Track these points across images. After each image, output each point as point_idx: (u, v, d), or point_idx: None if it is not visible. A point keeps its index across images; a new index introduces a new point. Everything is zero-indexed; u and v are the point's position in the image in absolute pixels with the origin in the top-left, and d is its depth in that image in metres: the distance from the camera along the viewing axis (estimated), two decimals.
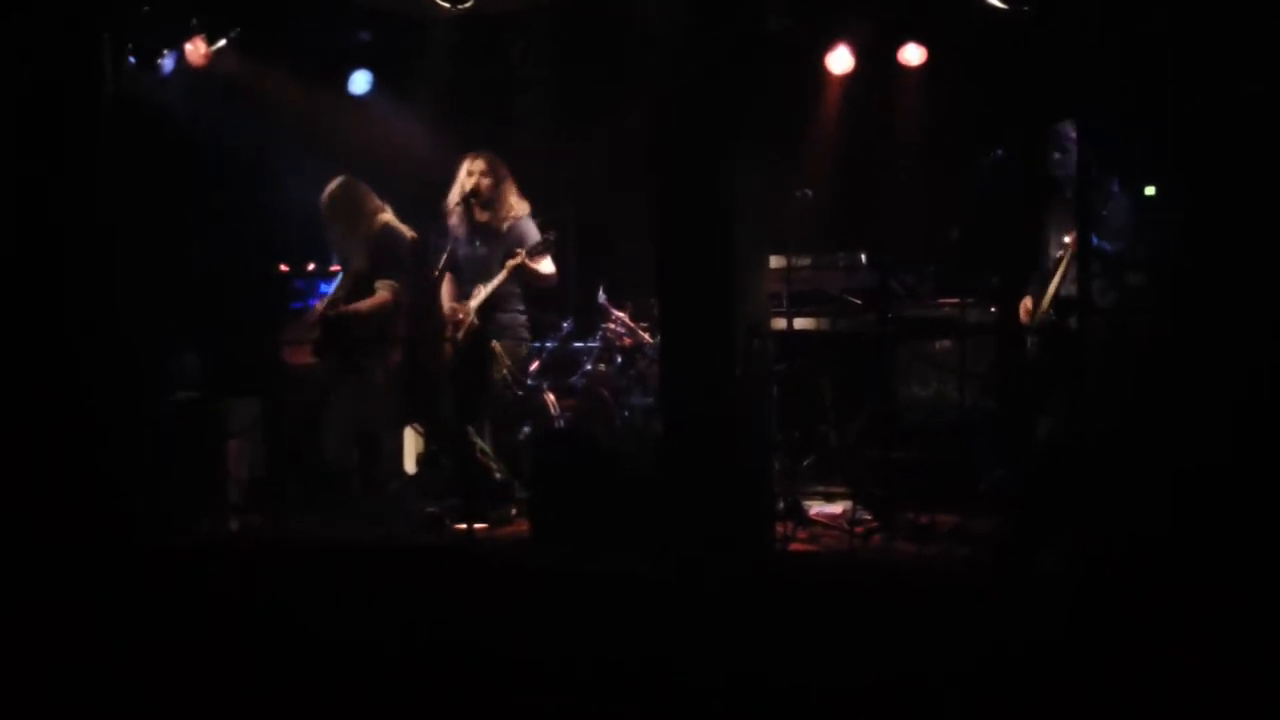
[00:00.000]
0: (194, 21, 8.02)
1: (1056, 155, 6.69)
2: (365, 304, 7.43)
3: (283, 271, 8.37)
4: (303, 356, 7.86)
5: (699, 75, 6.21)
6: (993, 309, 7.17)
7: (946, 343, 7.26)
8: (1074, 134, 6.53)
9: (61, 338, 7.06)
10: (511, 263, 7.23)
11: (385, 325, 7.47)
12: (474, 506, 6.94)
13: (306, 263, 8.33)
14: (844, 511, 6.85)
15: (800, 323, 7.32)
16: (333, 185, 7.59)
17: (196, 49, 8.08)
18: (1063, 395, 6.43)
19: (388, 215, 7.59)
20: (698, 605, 5.63)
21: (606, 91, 8.29)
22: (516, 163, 7.62)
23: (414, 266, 7.64)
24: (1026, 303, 6.89)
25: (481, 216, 7.43)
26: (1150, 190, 6.82)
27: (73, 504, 6.83)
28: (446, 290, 7.51)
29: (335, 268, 7.80)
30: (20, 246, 7.09)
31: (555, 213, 7.60)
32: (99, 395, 7.07)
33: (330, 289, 7.73)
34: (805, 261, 7.39)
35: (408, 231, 7.60)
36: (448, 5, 7.63)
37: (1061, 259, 6.68)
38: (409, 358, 7.61)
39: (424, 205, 7.85)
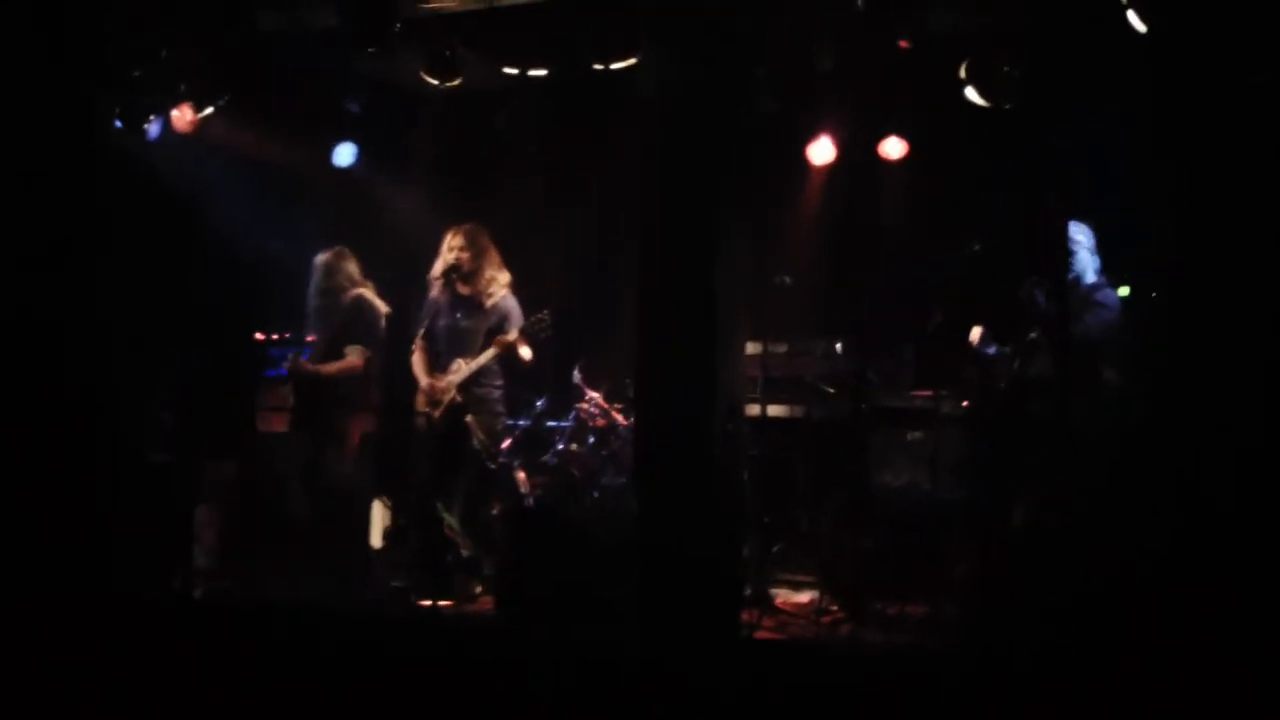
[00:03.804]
0: (183, 88, 8.08)
1: (1047, 248, 6.74)
2: (334, 365, 7.46)
3: (259, 339, 8.39)
4: (277, 423, 7.87)
5: (686, 158, 6.27)
6: (964, 403, 7.19)
7: (919, 433, 7.27)
8: (1069, 227, 6.61)
9: (61, 394, 7.06)
10: (505, 340, 7.22)
11: (355, 392, 7.47)
12: (439, 582, 6.90)
13: (282, 330, 8.33)
14: (811, 600, 6.83)
15: (774, 409, 7.33)
16: (325, 253, 7.66)
17: (184, 115, 8.13)
18: (1032, 485, 6.47)
19: (365, 289, 7.64)
20: (661, 690, 5.58)
21: (589, 170, 8.36)
22: (499, 235, 7.65)
23: (387, 339, 7.66)
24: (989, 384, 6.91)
25: (463, 290, 7.45)
26: (1124, 290, 6.91)
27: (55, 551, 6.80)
28: (420, 361, 7.51)
29: (311, 337, 7.80)
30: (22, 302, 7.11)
31: (536, 287, 7.62)
32: (90, 448, 7.06)
33: (300, 357, 7.75)
34: (781, 348, 7.43)
35: (383, 306, 7.64)
36: (435, 83, 7.70)
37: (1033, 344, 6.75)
38: (380, 428, 7.59)
39: (407, 274, 7.88)
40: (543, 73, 7.77)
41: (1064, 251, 6.72)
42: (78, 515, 6.93)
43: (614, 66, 7.44)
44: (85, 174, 7.22)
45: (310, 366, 7.50)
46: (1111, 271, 6.83)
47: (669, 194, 6.33)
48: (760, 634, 6.30)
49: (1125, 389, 6.61)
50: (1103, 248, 6.83)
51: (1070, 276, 6.71)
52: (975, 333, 6.96)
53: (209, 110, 8.14)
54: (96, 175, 7.28)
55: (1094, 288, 6.72)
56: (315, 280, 7.66)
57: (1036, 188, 7.26)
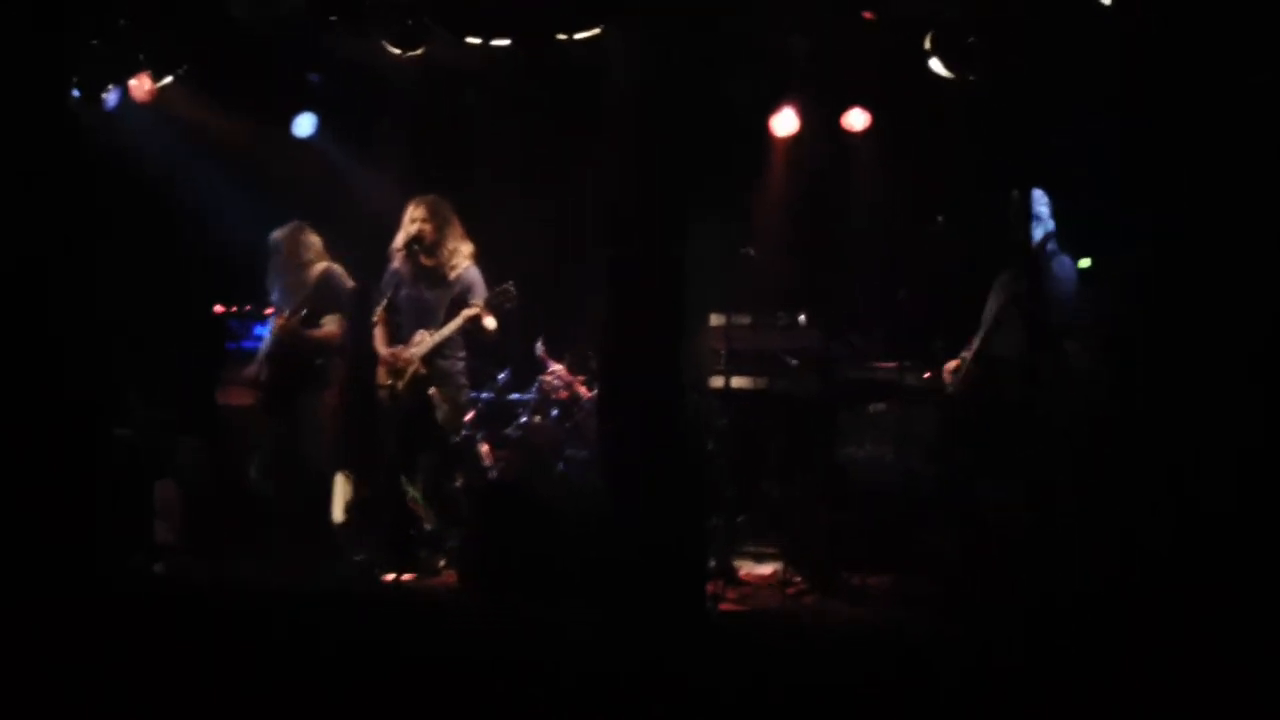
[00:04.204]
0: (141, 57, 7.98)
1: (1021, 222, 6.75)
2: (318, 332, 7.44)
3: (219, 312, 8.32)
4: (239, 397, 7.82)
5: (650, 131, 6.25)
6: (927, 374, 7.21)
7: (882, 406, 7.28)
8: (1033, 200, 6.62)
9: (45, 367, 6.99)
10: (468, 312, 7.18)
11: (325, 365, 7.45)
12: (403, 556, 6.88)
13: (243, 303, 8.27)
14: (775, 572, 6.84)
15: (739, 381, 7.33)
16: (284, 229, 7.60)
17: (141, 85, 8.05)
18: (999, 459, 6.50)
19: (327, 262, 7.60)
20: (625, 662, 5.59)
21: (554, 143, 8.31)
22: (462, 207, 7.60)
23: (353, 313, 7.61)
24: (951, 365, 6.93)
25: (426, 262, 7.37)
26: (1085, 262, 6.94)
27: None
28: (382, 334, 7.46)
29: (269, 310, 7.75)
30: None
31: (500, 258, 7.57)
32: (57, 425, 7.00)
33: (265, 331, 7.69)
34: (746, 320, 7.41)
35: (347, 278, 7.60)
36: (398, 52, 7.64)
37: (993, 321, 6.77)
38: (344, 401, 7.55)
39: (370, 247, 7.81)
40: (505, 42, 7.71)
41: (1027, 223, 6.74)
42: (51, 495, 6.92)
43: (578, 36, 7.41)
44: (64, 140, 7.15)
45: (301, 329, 7.43)
46: (1075, 244, 6.86)
47: (633, 167, 6.31)
48: (725, 606, 6.30)
49: (1088, 363, 6.66)
50: (1064, 219, 6.85)
51: (1036, 248, 6.75)
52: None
53: (167, 80, 8.07)
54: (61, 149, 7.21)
55: (1051, 255, 6.74)
56: (278, 256, 7.61)
57: (1002, 162, 7.28)
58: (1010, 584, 5.99)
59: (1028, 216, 6.74)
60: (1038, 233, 6.71)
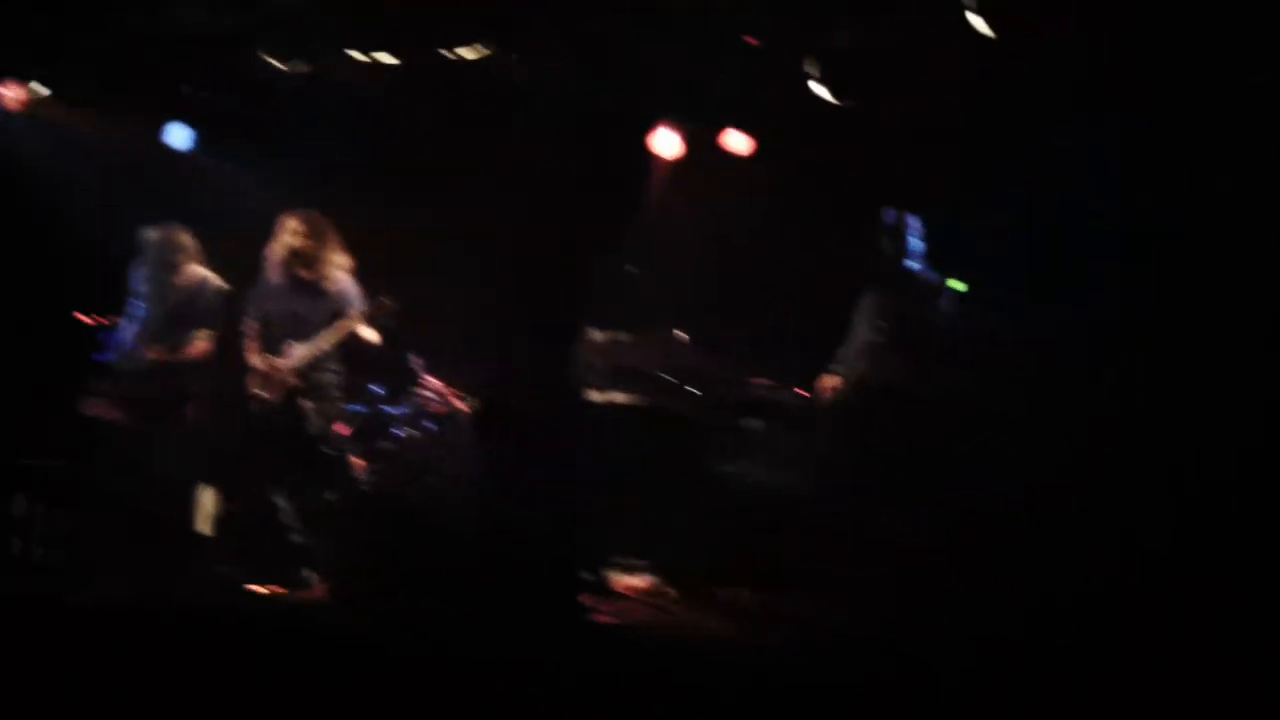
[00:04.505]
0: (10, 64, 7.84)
1: (885, 242, 6.85)
2: (185, 352, 7.30)
3: (86, 322, 8.12)
4: (105, 410, 7.63)
5: (538, 150, 6.28)
6: (802, 392, 7.26)
7: (757, 422, 7.32)
8: (905, 222, 6.72)
9: None
10: (344, 325, 7.09)
11: (194, 377, 7.31)
12: (274, 570, 6.76)
13: (111, 314, 8.08)
14: (649, 585, 6.84)
15: (618, 397, 7.32)
16: (150, 232, 7.45)
17: (11, 91, 7.89)
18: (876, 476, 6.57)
19: (199, 267, 7.47)
20: (500, 675, 5.53)
21: (434, 157, 8.27)
22: (340, 220, 7.52)
23: (224, 321, 7.49)
24: (827, 381, 6.99)
25: (302, 274, 7.26)
26: (958, 284, 7.06)
27: None
28: (255, 345, 7.34)
29: (132, 314, 7.57)
30: None
31: (377, 275, 7.50)
32: None
33: (130, 339, 7.52)
34: (625, 337, 7.43)
35: (219, 284, 7.47)
36: (278, 65, 7.58)
37: (868, 343, 6.85)
38: (213, 413, 7.41)
39: (242, 258, 7.69)
40: (391, 61, 7.68)
41: (903, 247, 6.86)
42: None
43: (462, 53, 7.41)
44: None
45: (165, 356, 7.29)
46: (948, 267, 6.98)
47: (516, 183, 6.32)
48: (599, 617, 6.27)
49: (962, 382, 6.76)
50: (937, 242, 6.97)
51: (907, 269, 6.86)
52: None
53: (38, 87, 7.93)
54: None
55: (920, 276, 6.86)
56: (150, 258, 7.45)
57: (879, 185, 7.39)
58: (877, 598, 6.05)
59: (902, 236, 6.86)
60: (908, 253, 6.83)
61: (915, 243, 6.87)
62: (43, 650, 5.89)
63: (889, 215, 6.90)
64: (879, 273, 6.96)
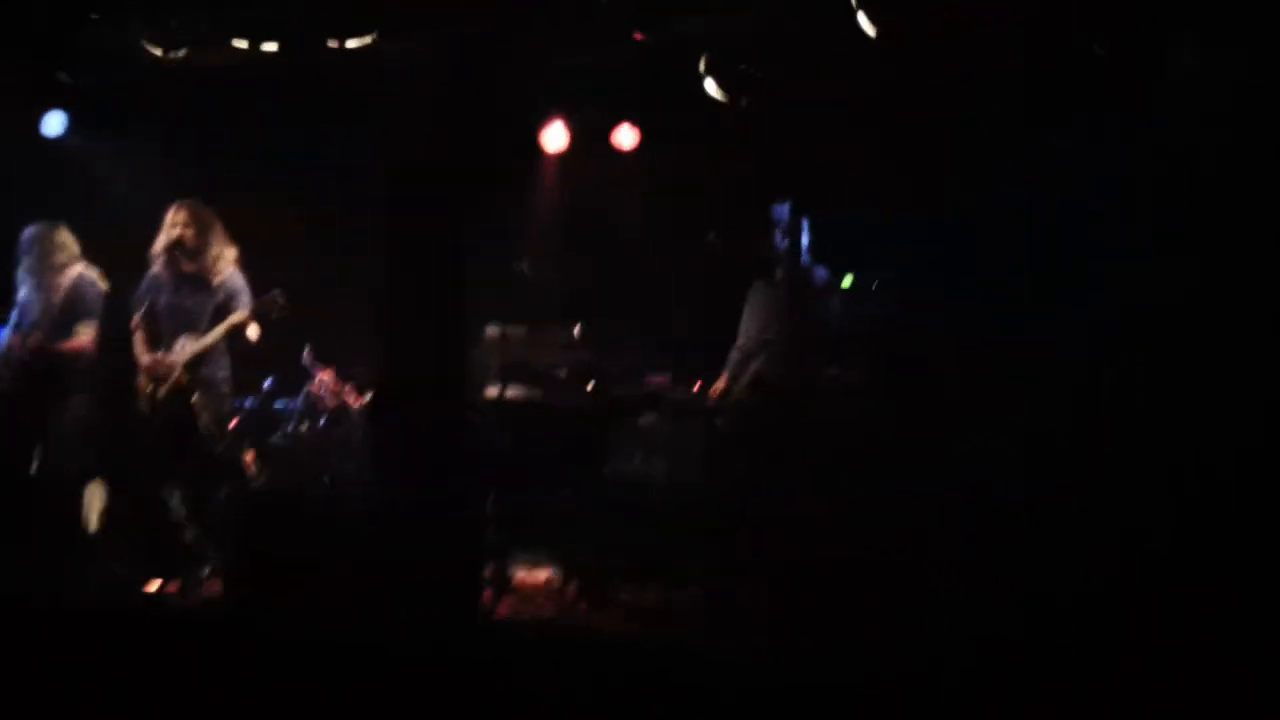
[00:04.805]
0: None
1: (776, 237, 6.94)
2: (68, 344, 7.19)
3: None
4: None
5: (428, 143, 6.24)
6: (696, 387, 7.35)
7: (652, 418, 7.38)
8: (796, 218, 6.82)
9: None
10: (232, 319, 7.00)
11: (76, 372, 7.19)
12: (165, 568, 6.66)
13: None
14: (549, 579, 6.88)
15: (512, 393, 7.33)
16: (29, 230, 7.33)
17: None
18: (765, 473, 6.67)
19: (81, 265, 7.35)
20: (397, 671, 5.53)
21: (324, 148, 8.18)
22: (227, 212, 7.41)
23: (107, 316, 7.36)
24: (719, 383, 7.08)
25: (188, 267, 7.16)
26: (847, 281, 7.20)
27: None
28: (141, 340, 7.22)
29: (12, 312, 7.42)
30: None
31: (265, 267, 7.40)
32: None
33: (10, 334, 7.36)
34: (520, 332, 7.43)
35: (101, 282, 7.36)
36: (159, 54, 7.44)
37: (765, 341, 6.95)
38: (98, 408, 7.27)
39: (127, 251, 7.55)
40: (274, 48, 7.57)
41: (794, 242, 6.97)
42: None
43: (349, 44, 7.34)
44: None
45: (48, 345, 7.16)
46: (837, 263, 7.11)
47: (406, 176, 6.30)
48: (501, 611, 6.30)
49: (854, 376, 6.90)
50: (827, 238, 7.09)
51: (798, 264, 6.97)
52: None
53: None
54: None
55: (809, 270, 6.98)
56: (29, 256, 7.32)
57: (769, 181, 7.50)
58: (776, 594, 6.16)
59: (793, 232, 6.98)
60: (799, 249, 6.94)
61: (805, 238, 6.99)
62: None
63: (780, 211, 7.01)
64: (770, 268, 7.08)
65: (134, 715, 5.34)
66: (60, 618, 6.17)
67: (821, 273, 7.04)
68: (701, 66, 7.36)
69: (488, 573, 6.52)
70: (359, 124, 7.34)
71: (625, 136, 8.44)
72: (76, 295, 7.27)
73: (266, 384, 7.88)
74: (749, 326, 7.10)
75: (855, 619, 5.76)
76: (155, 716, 5.32)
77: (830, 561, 6.02)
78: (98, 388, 7.30)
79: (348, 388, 7.72)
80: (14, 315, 7.38)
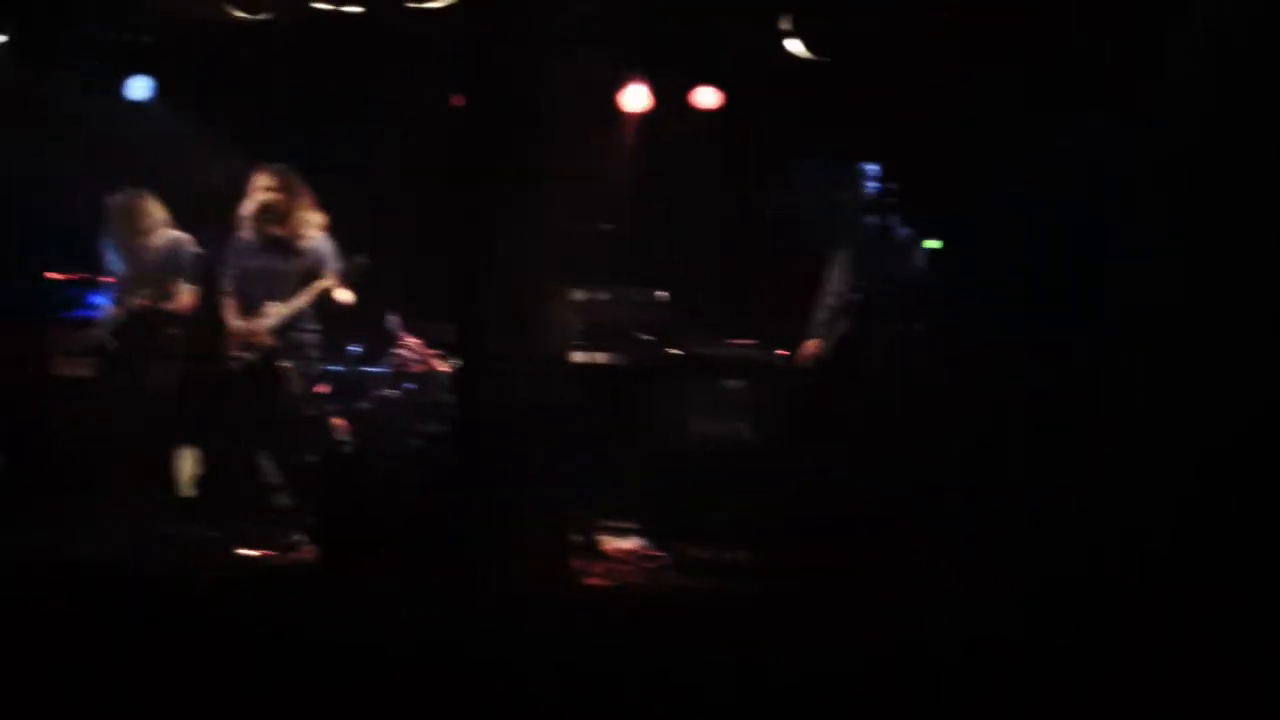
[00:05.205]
0: None
1: (860, 199, 6.91)
2: (170, 304, 7.29)
3: (53, 279, 8.04)
4: (75, 367, 7.56)
5: (511, 106, 6.22)
6: (781, 350, 7.33)
7: (737, 382, 7.37)
8: (881, 179, 6.78)
9: None
10: (320, 284, 7.06)
11: (173, 335, 7.30)
12: (258, 532, 6.75)
13: (79, 271, 8.00)
14: (637, 546, 6.91)
15: (596, 356, 7.34)
16: (120, 196, 7.38)
17: None
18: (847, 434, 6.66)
19: (173, 229, 7.42)
20: (491, 640, 5.57)
21: (407, 112, 8.19)
22: (311, 177, 7.45)
23: (198, 280, 7.43)
24: (809, 344, 7.07)
25: (276, 232, 7.20)
26: (933, 243, 7.15)
27: None
28: (231, 305, 7.29)
29: (109, 278, 7.50)
30: None
31: (352, 231, 7.44)
32: None
33: (103, 299, 7.45)
34: (603, 295, 7.44)
35: (192, 245, 7.41)
36: (244, 14, 7.46)
37: (839, 300, 6.93)
38: (191, 373, 7.36)
39: (210, 215, 7.62)
40: (357, 9, 7.58)
41: (878, 204, 6.94)
42: None
43: (428, 4, 7.34)
44: None
45: (152, 305, 7.26)
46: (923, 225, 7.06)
47: (488, 139, 6.28)
48: (590, 580, 6.33)
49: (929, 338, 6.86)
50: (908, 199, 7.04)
51: (878, 225, 6.94)
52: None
53: None
54: None
55: (892, 231, 6.93)
56: (115, 223, 7.40)
57: (853, 139, 7.44)
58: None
59: (876, 193, 6.94)
60: (878, 208, 6.91)
61: (890, 200, 6.95)
62: (33, 610, 5.89)
63: (865, 169, 6.97)
64: (853, 231, 7.04)
65: (232, 676, 5.43)
66: (155, 581, 6.30)
67: (906, 231, 6.99)
68: (786, 26, 7.29)
69: (575, 539, 6.55)
70: (437, 84, 7.34)
71: (707, 97, 8.38)
72: (172, 258, 7.36)
73: (355, 349, 7.92)
74: (835, 286, 7.07)
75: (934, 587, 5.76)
76: (252, 677, 5.41)
77: (913, 528, 6.00)
78: (189, 352, 7.37)
79: (433, 352, 7.75)
80: (110, 280, 7.48)
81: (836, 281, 7.05)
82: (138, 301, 7.30)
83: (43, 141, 8.17)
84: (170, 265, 7.34)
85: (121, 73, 8.61)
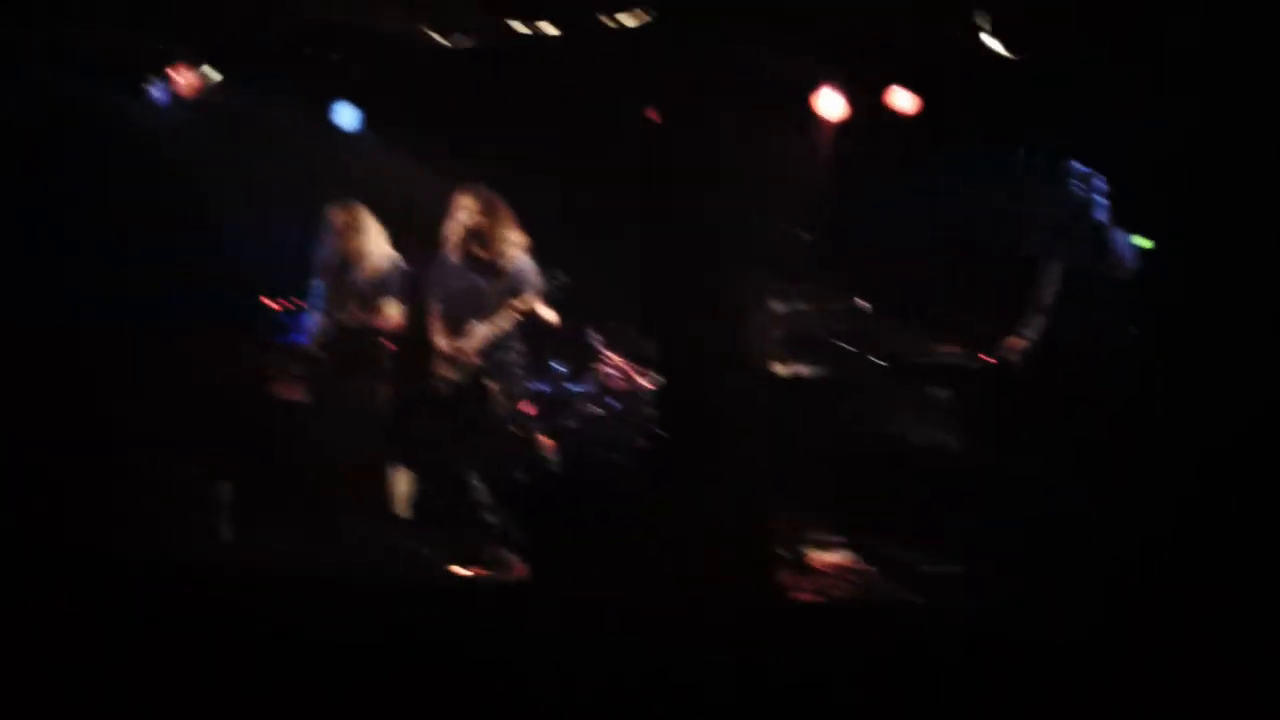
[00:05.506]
0: (180, 50, 7.98)
1: (1061, 196, 6.73)
2: (379, 319, 7.47)
3: (268, 305, 8.31)
4: (290, 390, 7.80)
5: (704, 117, 6.21)
6: (987, 355, 7.19)
7: (943, 389, 7.24)
8: (1091, 177, 6.60)
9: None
10: (519, 305, 7.17)
11: (382, 355, 7.49)
12: (468, 549, 6.87)
13: (291, 296, 8.25)
14: (845, 561, 6.84)
15: (798, 367, 7.28)
16: (340, 206, 7.58)
17: (185, 78, 8.04)
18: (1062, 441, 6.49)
19: (384, 246, 7.61)
20: (700, 656, 5.57)
21: (604, 128, 8.25)
22: (511, 196, 7.55)
23: (408, 298, 7.60)
24: (1015, 342, 6.91)
25: (479, 252, 7.34)
26: (1145, 242, 6.92)
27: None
28: (437, 325, 7.44)
29: (320, 293, 7.71)
30: None
31: (552, 250, 7.53)
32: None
33: (312, 321, 7.67)
34: (803, 305, 7.37)
35: (402, 263, 7.59)
36: (446, 42, 7.60)
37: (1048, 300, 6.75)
38: (401, 394, 7.54)
39: (415, 238, 7.78)
40: (554, 31, 7.66)
41: (1090, 202, 6.75)
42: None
43: (623, 19, 7.36)
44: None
45: (361, 321, 7.47)
46: (1131, 223, 6.85)
47: (684, 152, 6.28)
48: (798, 596, 6.28)
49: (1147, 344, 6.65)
50: (1121, 198, 6.83)
51: (1094, 225, 6.75)
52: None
53: (210, 72, 8.07)
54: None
55: (1107, 231, 6.72)
56: (333, 236, 7.58)
57: (1055, 139, 7.24)
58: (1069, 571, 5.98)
59: (1086, 192, 6.74)
60: (1093, 209, 6.71)
61: (1101, 198, 6.75)
62: (250, 624, 6.08)
63: (1075, 169, 6.78)
64: (1064, 230, 6.86)
65: (446, 691, 5.54)
66: (369, 597, 6.45)
67: (1119, 233, 6.78)
68: (981, 21, 7.13)
69: (782, 553, 6.51)
70: (633, 98, 7.36)
71: (902, 99, 8.25)
72: (383, 275, 7.53)
73: (559, 367, 8.02)
74: (1047, 288, 6.89)
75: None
76: (465, 692, 5.51)
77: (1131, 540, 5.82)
78: (397, 370, 7.55)
79: (636, 369, 7.79)
80: (317, 296, 7.69)
81: (1048, 284, 6.88)
82: (348, 318, 7.47)
83: (259, 166, 8.45)
84: (382, 282, 7.51)
85: (330, 98, 8.83)
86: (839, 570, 6.76)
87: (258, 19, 7.91)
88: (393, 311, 7.50)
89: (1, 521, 6.79)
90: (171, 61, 8.10)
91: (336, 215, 7.58)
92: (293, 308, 8.14)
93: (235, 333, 8.25)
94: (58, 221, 7.70)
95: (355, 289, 7.52)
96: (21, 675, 5.44)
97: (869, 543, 6.75)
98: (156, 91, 8.02)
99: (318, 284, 7.67)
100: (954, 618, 5.94)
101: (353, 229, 7.54)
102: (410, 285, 7.57)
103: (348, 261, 7.55)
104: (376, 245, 7.57)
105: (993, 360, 7.05)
